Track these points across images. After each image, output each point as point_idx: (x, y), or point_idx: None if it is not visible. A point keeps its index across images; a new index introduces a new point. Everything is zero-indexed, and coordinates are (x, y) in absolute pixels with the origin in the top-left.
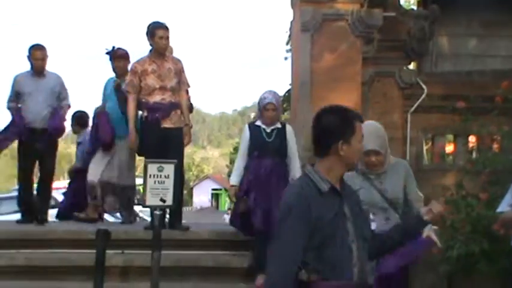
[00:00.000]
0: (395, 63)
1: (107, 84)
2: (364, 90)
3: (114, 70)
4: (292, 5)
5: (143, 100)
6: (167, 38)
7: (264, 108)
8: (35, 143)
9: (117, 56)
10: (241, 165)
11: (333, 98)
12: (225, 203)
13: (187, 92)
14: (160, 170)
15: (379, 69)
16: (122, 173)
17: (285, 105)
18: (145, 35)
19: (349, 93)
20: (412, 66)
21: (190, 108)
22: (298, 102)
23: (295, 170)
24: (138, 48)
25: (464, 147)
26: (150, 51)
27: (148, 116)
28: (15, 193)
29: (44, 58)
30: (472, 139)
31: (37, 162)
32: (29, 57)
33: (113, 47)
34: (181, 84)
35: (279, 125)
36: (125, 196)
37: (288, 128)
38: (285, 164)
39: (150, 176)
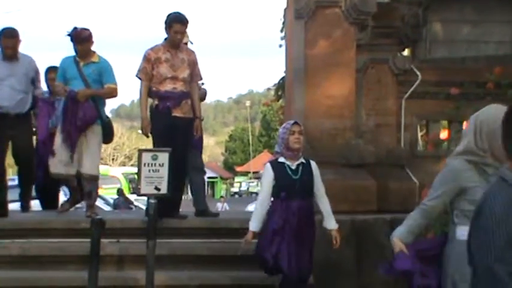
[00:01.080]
0: (389, 49)
1: (68, 64)
2: (359, 77)
3: (76, 52)
4: None
5: (154, 88)
6: (183, 33)
7: (289, 132)
8: (6, 129)
9: (81, 39)
10: (264, 210)
11: (328, 85)
12: (221, 190)
13: (199, 84)
14: (154, 158)
15: (373, 56)
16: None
17: (279, 93)
18: (163, 23)
19: (344, 80)
20: (406, 52)
21: (204, 96)
22: (293, 90)
23: (326, 211)
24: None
25: (458, 134)
26: (165, 39)
27: (159, 104)
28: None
29: (13, 46)
30: (465, 125)
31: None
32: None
33: (75, 28)
34: (194, 76)
35: (303, 160)
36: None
37: (313, 164)
38: (312, 204)
39: (145, 164)
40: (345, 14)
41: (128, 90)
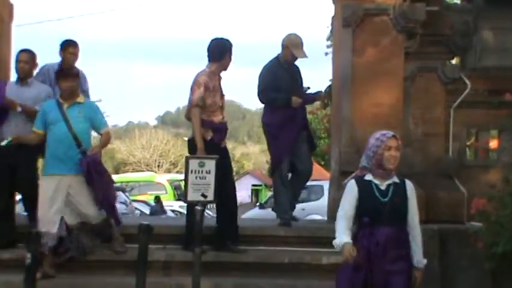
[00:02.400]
0: (438, 58)
1: (51, 107)
2: (406, 85)
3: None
4: (334, 0)
5: (205, 118)
6: (231, 57)
7: (385, 147)
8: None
9: (68, 75)
10: (346, 227)
11: (375, 94)
12: (265, 198)
13: None
14: (201, 165)
15: (421, 64)
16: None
17: (326, 101)
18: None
19: (391, 89)
20: (455, 61)
21: None
22: (340, 98)
23: (416, 244)
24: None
25: (510, 143)
26: (212, 65)
27: (214, 137)
28: None
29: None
30: None
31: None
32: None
33: (66, 41)
34: None
35: (395, 179)
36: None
37: (409, 184)
38: (406, 232)
39: (192, 171)
40: (393, 22)
41: (174, 97)
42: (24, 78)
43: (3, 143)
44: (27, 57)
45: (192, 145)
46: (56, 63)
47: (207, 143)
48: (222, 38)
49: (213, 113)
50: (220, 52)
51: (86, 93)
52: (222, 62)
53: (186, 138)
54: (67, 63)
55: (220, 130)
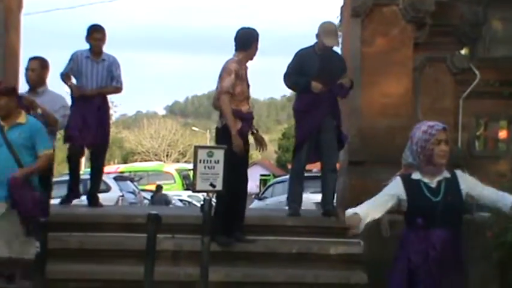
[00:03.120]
0: (447, 48)
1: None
2: (416, 75)
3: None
4: None
5: (233, 107)
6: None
7: (435, 140)
8: None
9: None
10: (365, 206)
11: (384, 84)
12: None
13: None
14: (210, 155)
15: (430, 55)
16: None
17: None
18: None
19: (400, 79)
20: (464, 51)
21: None
22: None
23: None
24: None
25: None
26: (240, 54)
27: (242, 127)
28: (66, 177)
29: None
30: None
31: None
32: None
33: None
34: None
35: (446, 174)
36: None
37: (460, 174)
38: (461, 236)
39: (200, 161)
40: (403, 12)
41: (182, 87)
42: (34, 87)
43: None
44: (35, 64)
45: (221, 133)
46: (85, 50)
47: (226, 130)
48: (248, 28)
49: (241, 102)
50: (247, 41)
51: (116, 80)
52: (249, 52)
53: (195, 128)
54: (95, 49)
55: (248, 120)
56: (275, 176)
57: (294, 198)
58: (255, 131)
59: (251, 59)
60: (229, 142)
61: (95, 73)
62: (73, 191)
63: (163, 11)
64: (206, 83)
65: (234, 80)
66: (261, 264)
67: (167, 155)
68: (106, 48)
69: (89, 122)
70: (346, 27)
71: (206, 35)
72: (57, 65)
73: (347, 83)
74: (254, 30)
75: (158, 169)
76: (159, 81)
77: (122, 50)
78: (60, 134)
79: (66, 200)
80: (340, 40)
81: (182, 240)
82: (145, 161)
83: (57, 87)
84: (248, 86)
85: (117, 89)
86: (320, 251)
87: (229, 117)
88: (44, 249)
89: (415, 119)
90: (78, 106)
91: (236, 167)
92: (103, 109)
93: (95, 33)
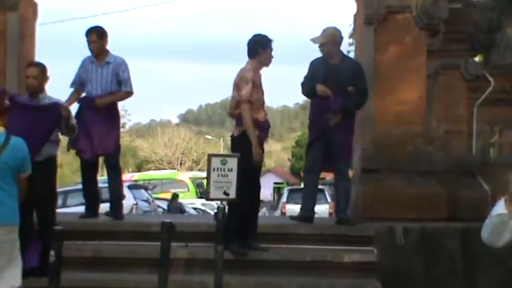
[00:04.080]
0: (461, 55)
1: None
2: (429, 83)
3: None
4: None
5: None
6: (271, 54)
7: None
8: None
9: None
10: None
11: (398, 91)
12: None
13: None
14: (223, 163)
15: (444, 62)
16: None
17: None
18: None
19: (414, 86)
20: (478, 58)
21: None
22: None
23: None
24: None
25: None
26: (254, 61)
27: (259, 135)
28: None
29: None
30: None
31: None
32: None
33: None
34: None
35: None
36: None
37: None
38: None
39: (214, 169)
40: (416, 20)
41: (196, 96)
42: (34, 93)
43: None
44: (36, 71)
45: (239, 141)
46: (91, 55)
47: (245, 139)
48: (259, 34)
49: (257, 110)
50: (254, 48)
51: (124, 84)
52: (260, 58)
53: (209, 137)
54: (94, 52)
55: (265, 128)
56: (288, 184)
57: (304, 203)
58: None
59: (266, 65)
60: (247, 151)
61: (99, 78)
62: (89, 208)
63: (177, 20)
64: (219, 91)
65: (252, 88)
66: (274, 273)
67: (181, 163)
68: (123, 56)
69: (95, 132)
70: (359, 35)
71: (219, 43)
72: (71, 74)
73: (351, 91)
74: (265, 36)
75: (172, 177)
76: (173, 90)
77: (135, 58)
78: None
79: (84, 216)
80: (352, 48)
81: (196, 248)
82: (159, 169)
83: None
84: (263, 93)
85: (127, 94)
86: (334, 259)
87: (251, 126)
88: (58, 257)
89: (429, 126)
90: (84, 116)
91: (251, 175)
92: (110, 116)
93: (89, 35)
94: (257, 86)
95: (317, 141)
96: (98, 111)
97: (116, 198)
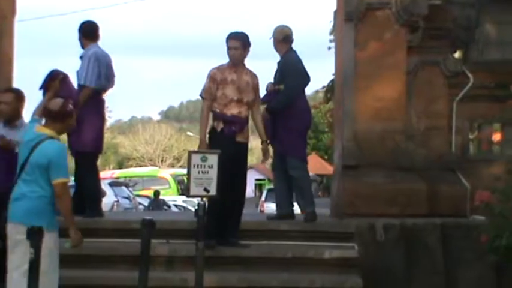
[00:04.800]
0: (440, 52)
1: None
2: (409, 79)
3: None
4: None
5: (217, 110)
6: (238, 48)
7: None
8: None
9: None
10: None
11: (378, 88)
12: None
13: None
14: (204, 160)
15: (424, 58)
16: None
17: (328, 95)
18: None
19: (394, 83)
20: (457, 54)
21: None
22: (343, 92)
23: None
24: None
25: None
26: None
27: (225, 128)
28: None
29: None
30: None
31: None
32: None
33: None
34: (257, 100)
35: None
36: None
37: None
38: None
39: (194, 166)
40: (396, 16)
41: (177, 92)
42: (9, 120)
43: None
44: (9, 97)
45: (208, 137)
46: None
47: (217, 134)
48: (231, 32)
49: (225, 105)
50: (226, 46)
51: (81, 78)
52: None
53: (190, 133)
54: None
55: (233, 122)
56: (270, 180)
57: (277, 198)
58: (264, 140)
59: (231, 62)
60: (216, 145)
61: (78, 72)
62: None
63: (158, 17)
64: (201, 88)
65: (209, 84)
66: (255, 269)
67: (162, 160)
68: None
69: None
70: (339, 32)
71: (200, 40)
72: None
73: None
74: (228, 34)
75: (153, 174)
76: (154, 87)
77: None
78: None
79: None
80: (333, 44)
81: (177, 245)
82: (140, 166)
83: None
84: (239, 90)
85: (84, 90)
86: (315, 255)
87: (201, 121)
88: (38, 255)
89: (409, 122)
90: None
91: (227, 171)
92: (86, 115)
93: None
94: (221, 82)
95: (271, 140)
96: (78, 104)
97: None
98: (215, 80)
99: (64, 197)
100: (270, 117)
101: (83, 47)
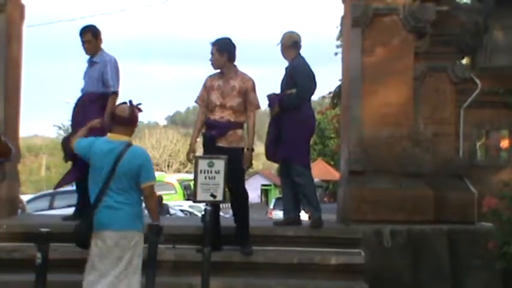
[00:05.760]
0: (448, 58)
1: None
2: (416, 85)
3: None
4: (343, 1)
5: (207, 116)
6: (213, 53)
7: None
8: None
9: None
10: None
11: (385, 94)
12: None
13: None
14: (210, 165)
15: (431, 64)
16: None
17: (335, 101)
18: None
19: (401, 88)
20: (465, 60)
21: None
22: (350, 98)
23: None
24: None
25: None
26: None
27: (206, 132)
28: (69, 188)
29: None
30: None
31: None
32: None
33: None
34: (249, 105)
35: None
36: None
37: None
38: None
39: (201, 171)
40: (403, 22)
41: (183, 98)
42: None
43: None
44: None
45: None
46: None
47: (203, 138)
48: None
49: (211, 111)
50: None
51: (107, 84)
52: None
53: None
54: (86, 52)
55: (213, 127)
56: (276, 186)
57: (284, 203)
58: (248, 148)
59: (214, 68)
60: (203, 149)
61: (88, 77)
62: (79, 211)
63: (164, 22)
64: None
65: (203, 91)
66: (262, 275)
67: (168, 165)
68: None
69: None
70: (346, 37)
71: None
72: (60, 76)
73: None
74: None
75: (159, 179)
76: (160, 92)
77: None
78: None
79: (67, 219)
80: (340, 50)
81: (183, 250)
82: None
83: None
84: (222, 95)
85: (113, 96)
86: (321, 261)
87: (194, 126)
88: (45, 260)
89: (416, 128)
90: (77, 113)
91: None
92: (96, 115)
93: (81, 36)
94: (209, 88)
95: (275, 146)
96: (86, 111)
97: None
98: (205, 86)
99: (152, 198)
100: (274, 124)
101: (86, 51)
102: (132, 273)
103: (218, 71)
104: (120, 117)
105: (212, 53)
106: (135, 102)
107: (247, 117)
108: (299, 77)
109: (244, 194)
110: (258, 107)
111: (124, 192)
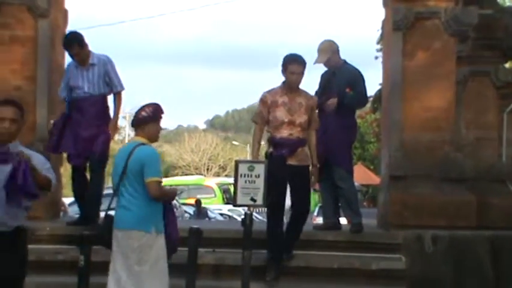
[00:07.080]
0: (491, 61)
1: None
2: (458, 89)
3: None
4: (384, 4)
5: (269, 134)
6: (300, 73)
7: None
8: None
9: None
10: None
11: (426, 98)
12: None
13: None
14: (251, 169)
15: (474, 68)
16: None
17: (375, 105)
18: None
19: (443, 93)
20: (508, 64)
21: None
22: (390, 102)
23: None
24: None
25: None
26: (283, 83)
27: (274, 152)
28: (108, 191)
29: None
30: None
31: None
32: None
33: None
34: (312, 122)
35: None
36: None
37: None
38: None
39: (241, 175)
40: (445, 26)
41: (223, 101)
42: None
43: None
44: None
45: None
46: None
47: (270, 157)
48: (287, 55)
49: (277, 128)
50: (282, 68)
51: (112, 84)
52: (285, 78)
53: (236, 143)
54: (78, 62)
55: (282, 145)
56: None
57: (323, 208)
58: (314, 164)
59: (289, 84)
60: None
61: (86, 81)
62: (85, 217)
63: (204, 26)
64: (246, 98)
65: (261, 107)
66: (302, 279)
67: (208, 169)
68: (152, 62)
69: (82, 136)
70: (387, 41)
71: (247, 50)
72: None
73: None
74: (285, 56)
75: (199, 183)
76: (200, 96)
77: (163, 64)
78: None
79: (72, 223)
80: (380, 54)
81: (223, 254)
82: (186, 175)
83: None
84: (290, 112)
85: (119, 94)
86: (361, 266)
87: (252, 144)
88: (88, 262)
89: (458, 133)
90: (71, 120)
91: (282, 194)
92: (98, 121)
93: (68, 50)
94: (274, 105)
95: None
96: (86, 114)
97: (90, 204)
98: (266, 103)
99: (158, 194)
100: (320, 128)
101: (72, 57)
102: (147, 277)
103: (275, 86)
104: (133, 120)
105: (298, 73)
106: (172, 107)
107: (309, 135)
108: (360, 83)
109: (308, 213)
110: (319, 125)
111: (135, 192)
